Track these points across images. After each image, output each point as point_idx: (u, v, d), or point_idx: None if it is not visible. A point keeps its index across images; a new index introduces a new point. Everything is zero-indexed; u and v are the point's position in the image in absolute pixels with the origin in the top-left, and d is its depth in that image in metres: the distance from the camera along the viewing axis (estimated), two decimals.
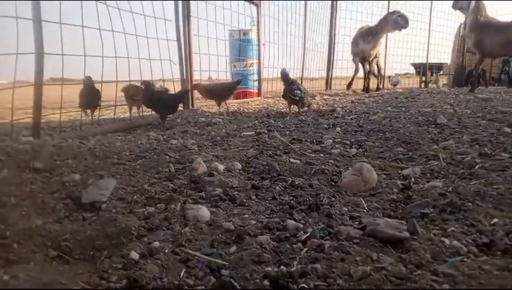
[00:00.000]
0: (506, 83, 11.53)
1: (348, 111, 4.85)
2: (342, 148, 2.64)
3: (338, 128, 3.47)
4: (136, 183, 1.81)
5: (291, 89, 4.40)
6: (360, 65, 8.90)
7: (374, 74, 8.95)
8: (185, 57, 5.22)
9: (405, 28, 8.24)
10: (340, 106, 5.63)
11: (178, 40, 5.16)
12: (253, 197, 1.58)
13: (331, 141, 2.86)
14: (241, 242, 1.17)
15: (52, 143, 3.06)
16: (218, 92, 4.97)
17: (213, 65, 5.81)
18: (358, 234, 1.17)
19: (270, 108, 5.60)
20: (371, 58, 8.65)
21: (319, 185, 1.75)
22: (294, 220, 1.34)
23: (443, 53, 12.14)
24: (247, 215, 1.38)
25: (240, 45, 7.21)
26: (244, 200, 1.53)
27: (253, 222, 1.31)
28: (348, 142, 2.82)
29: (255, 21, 6.95)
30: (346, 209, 1.47)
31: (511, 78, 11.45)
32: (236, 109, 5.54)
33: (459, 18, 12.00)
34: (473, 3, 7.86)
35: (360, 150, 2.62)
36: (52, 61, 3.33)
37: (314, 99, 7.03)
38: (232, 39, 7.28)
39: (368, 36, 8.29)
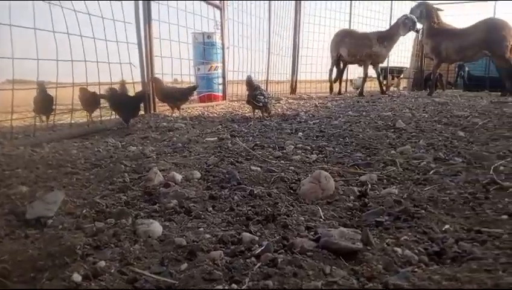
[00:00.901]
0: (462, 86, 12.12)
1: (311, 116, 4.90)
2: (303, 154, 2.65)
3: (300, 134, 3.49)
4: (87, 196, 1.73)
5: (255, 94, 4.40)
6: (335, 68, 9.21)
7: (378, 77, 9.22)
8: (146, 60, 5.11)
9: (413, 29, 8.49)
10: (304, 110, 5.68)
11: (139, 43, 5.04)
12: (210, 208, 1.54)
13: (293, 146, 2.87)
14: (193, 259, 1.12)
15: (1, 151, 2.89)
16: (172, 96, 4.87)
17: (176, 68, 5.70)
18: (312, 246, 1.16)
19: (234, 112, 5.57)
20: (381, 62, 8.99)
21: (278, 193, 1.74)
22: (250, 232, 1.31)
23: (403, 57, 12.54)
24: (202, 229, 1.34)
25: (204, 48, 7.15)
26: (200, 213, 1.48)
27: (207, 236, 1.27)
28: (309, 147, 2.84)
29: (219, 24, 6.91)
30: (303, 218, 1.46)
31: (466, 82, 12.05)
32: (200, 113, 5.47)
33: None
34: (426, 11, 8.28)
35: (321, 155, 2.64)
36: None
37: (279, 103, 7.08)
38: (196, 42, 7.21)
39: (384, 41, 8.47)
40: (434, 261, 1.14)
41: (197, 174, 2.02)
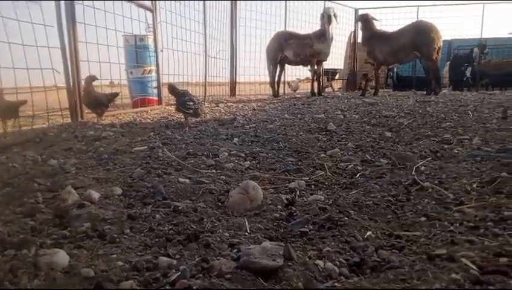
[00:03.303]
0: (392, 86, 12.87)
1: (248, 119, 4.88)
2: (236, 161, 2.60)
3: (236, 139, 3.44)
4: None
5: (184, 101, 4.24)
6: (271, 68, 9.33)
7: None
8: (71, 65, 4.78)
9: (329, 22, 8.71)
10: (242, 113, 5.66)
11: (62, 47, 4.71)
12: (127, 230, 1.43)
13: (227, 153, 2.81)
14: None
15: None
16: (94, 101, 4.64)
17: (106, 73, 5.40)
18: (232, 267, 1.10)
19: (169, 117, 5.39)
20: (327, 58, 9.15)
21: (205, 207, 1.67)
22: (168, 255, 1.22)
23: (336, 60, 13.01)
24: (115, 255, 1.23)
25: (137, 51, 6.87)
26: (116, 236, 1.37)
27: (120, 263, 1.17)
28: (243, 154, 2.79)
29: (151, 27, 6.67)
30: (228, 234, 1.40)
31: (395, 82, 12.82)
32: (132, 119, 5.23)
33: (350, 27, 13.10)
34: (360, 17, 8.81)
35: (254, 162, 2.60)
36: None
37: (218, 106, 7.00)
38: (128, 45, 6.90)
39: (320, 38, 8.65)
40: (354, 273, 1.14)
41: (118, 191, 1.89)
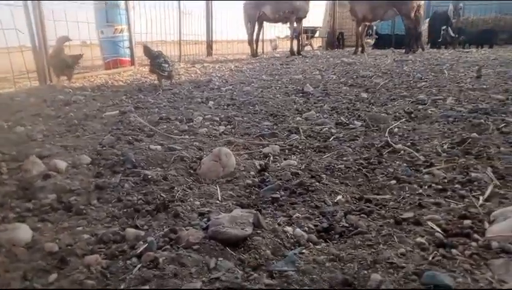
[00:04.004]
0: (371, 44, 12.78)
1: (224, 81, 4.77)
2: (210, 126, 2.55)
3: (211, 103, 3.37)
4: None
5: (159, 63, 4.08)
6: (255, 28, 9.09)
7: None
8: (36, 25, 4.50)
9: None
10: (218, 74, 5.53)
11: (25, 5, 4.40)
12: (95, 201, 1.39)
13: (201, 118, 2.75)
14: (64, 267, 1.00)
15: None
16: (62, 63, 4.43)
17: (74, 32, 5.12)
18: (200, 237, 1.09)
19: (143, 80, 5.22)
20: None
21: (176, 175, 1.64)
22: (136, 227, 1.20)
23: (315, 17, 12.75)
24: (80, 228, 1.20)
25: (107, 10, 6.50)
26: (82, 207, 1.33)
27: (86, 236, 1.14)
28: (218, 118, 2.74)
29: None
30: (199, 203, 1.38)
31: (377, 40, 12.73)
32: (104, 82, 5.04)
33: None
34: None
35: (229, 126, 2.56)
36: None
37: (194, 67, 6.82)
38: (97, 3, 6.52)
39: None
40: (322, 239, 1.15)
41: (87, 159, 1.83)
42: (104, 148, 2.05)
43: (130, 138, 2.22)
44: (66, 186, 1.48)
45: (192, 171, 1.71)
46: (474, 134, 2.14)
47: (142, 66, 6.65)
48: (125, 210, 1.32)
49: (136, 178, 1.61)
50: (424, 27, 13.24)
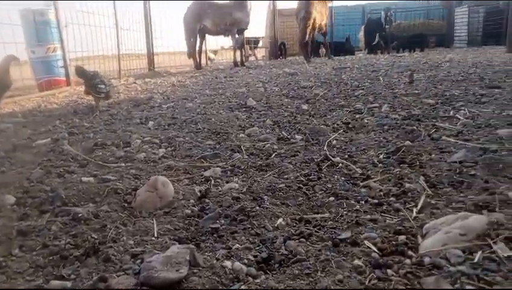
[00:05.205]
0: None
1: (166, 98, 4.66)
2: (149, 149, 2.46)
3: (151, 123, 3.26)
4: None
5: (95, 84, 3.88)
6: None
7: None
8: None
9: None
10: (160, 91, 5.40)
11: None
12: (16, 250, 1.27)
13: (140, 141, 2.65)
14: None
15: None
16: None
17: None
18: (131, 284, 1.02)
19: (79, 100, 4.97)
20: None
21: (109, 211, 1.54)
22: (62, 277, 1.10)
23: (258, 28, 12.95)
24: None
25: (37, 28, 6.14)
26: (1, 260, 1.20)
27: None
28: (158, 140, 2.65)
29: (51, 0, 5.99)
30: (133, 241, 1.30)
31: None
32: (36, 105, 4.73)
33: None
34: None
35: (169, 149, 2.48)
36: None
37: (135, 83, 6.62)
38: (26, 21, 6.14)
39: (240, 5, 8.45)
40: (262, 270, 1.12)
41: (11, 199, 1.67)
42: (32, 184, 1.90)
43: (61, 170, 2.08)
44: None
45: (126, 205, 1.62)
46: (408, 142, 2.24)
47: (79, 85, 6.34)
48: (51, 258, 1.22)
49: (65, 218, 1.50)
50: (361, 33, 13.94)
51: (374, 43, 12.49)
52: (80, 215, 1.48)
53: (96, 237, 1.33)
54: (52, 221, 1.47)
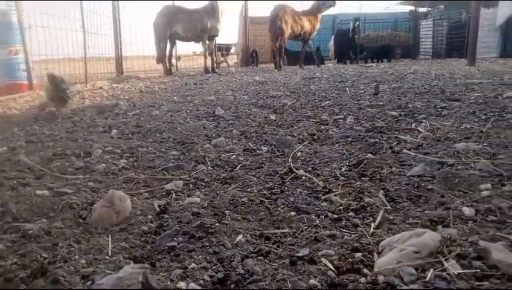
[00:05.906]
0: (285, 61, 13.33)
1: (132, 105, 4.57)
2: (110, 160, 2.38)
3: (114, 131, 3.18)
4: None
5: (64, 89, 3.75)
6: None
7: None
8: None
9: None
10: (127, 97, 5.29)
11: None
12: None
13: (101, 151, 2.57)
14: None
15: None
16: None
17: None
18: None
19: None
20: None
21: (62, 228, 1.47)
22: None
23: (230, 34, 12.97)
24: None
25: None
26: None
27: None
28: (120, 150, 2.58)
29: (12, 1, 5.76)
30: (85, 261, 1.25)
31: (284, 57, 13.29)
32: None
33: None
34: None
35: (131, 159, 2.42)
36: None
37: (102, 88, 6.46)
38: None
39: (210, 11, 8.37)
40: None
41: None
42: None
43: (15, 182, 1.97)
44: None
45: (81, 221, 1.56)
46: (370, 154, 2.28)
47: (42, 90, 6.12)
48: None
49: (14, 235, 1.42)
50: (331, 43, 14.21)
51: (345, 52, 12.81)
52: (30, 232, 1.41)
53: (46, 256, 1.27)
54: (2, 238, 1.39)
